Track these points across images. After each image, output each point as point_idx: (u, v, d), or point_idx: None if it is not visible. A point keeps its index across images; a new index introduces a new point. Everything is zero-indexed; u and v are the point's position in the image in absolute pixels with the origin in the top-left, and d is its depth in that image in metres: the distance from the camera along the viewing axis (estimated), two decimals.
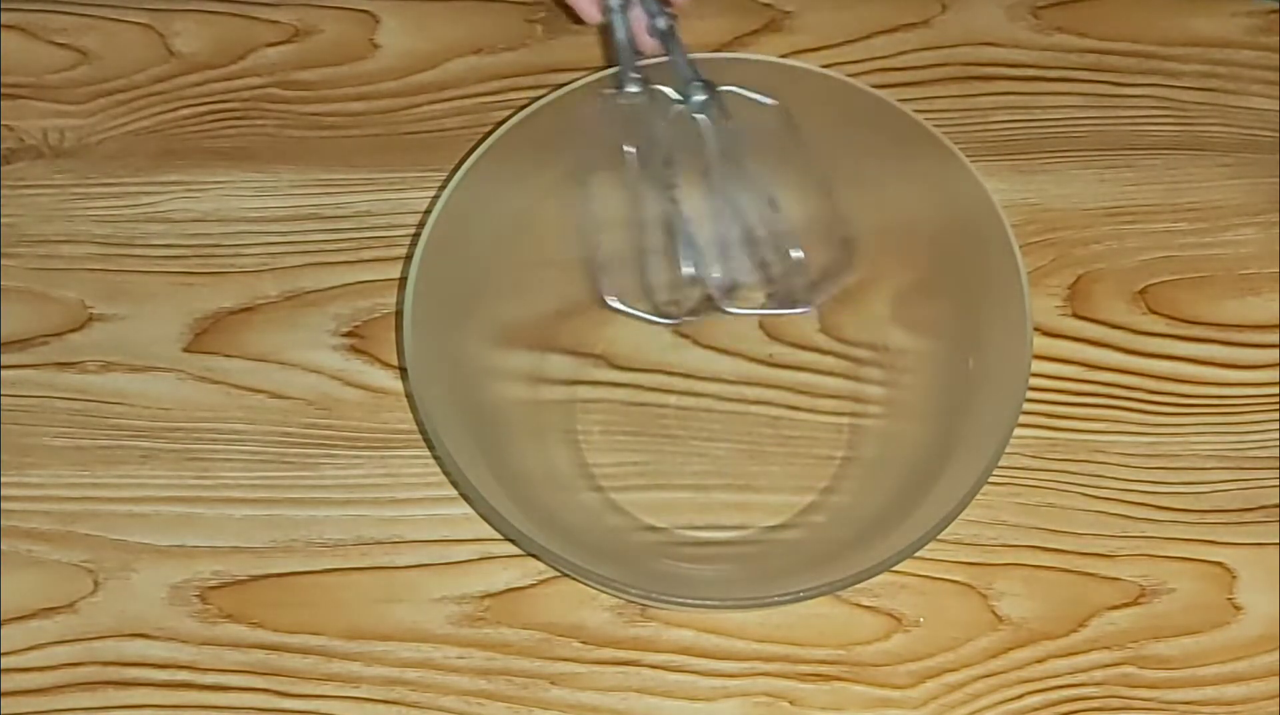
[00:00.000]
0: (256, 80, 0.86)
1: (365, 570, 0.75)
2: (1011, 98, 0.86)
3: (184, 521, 0.76)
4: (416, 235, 0.75)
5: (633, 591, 0.67)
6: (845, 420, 0.78)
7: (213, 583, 0.75)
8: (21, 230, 0.82)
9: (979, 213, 0.69)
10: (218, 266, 0.82)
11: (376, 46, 0.88)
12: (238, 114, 0.85)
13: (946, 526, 0.65)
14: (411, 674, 0.73)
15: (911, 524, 0.67)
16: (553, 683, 0.73)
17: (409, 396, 0.77)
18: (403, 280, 0.80)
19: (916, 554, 0.67)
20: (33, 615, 0.74)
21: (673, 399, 0.79)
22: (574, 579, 0.72)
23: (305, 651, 0.74)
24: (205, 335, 0.80)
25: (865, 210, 0.72)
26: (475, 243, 0.72)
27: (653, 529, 0.76)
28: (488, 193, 0.72)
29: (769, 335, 0.80)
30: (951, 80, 0.86)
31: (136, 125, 0.85)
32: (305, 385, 0.79)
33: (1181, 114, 0.86)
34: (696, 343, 0.80)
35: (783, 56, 0.67)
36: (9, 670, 0.73)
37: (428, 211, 0.72)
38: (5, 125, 0.85)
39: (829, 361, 0.80)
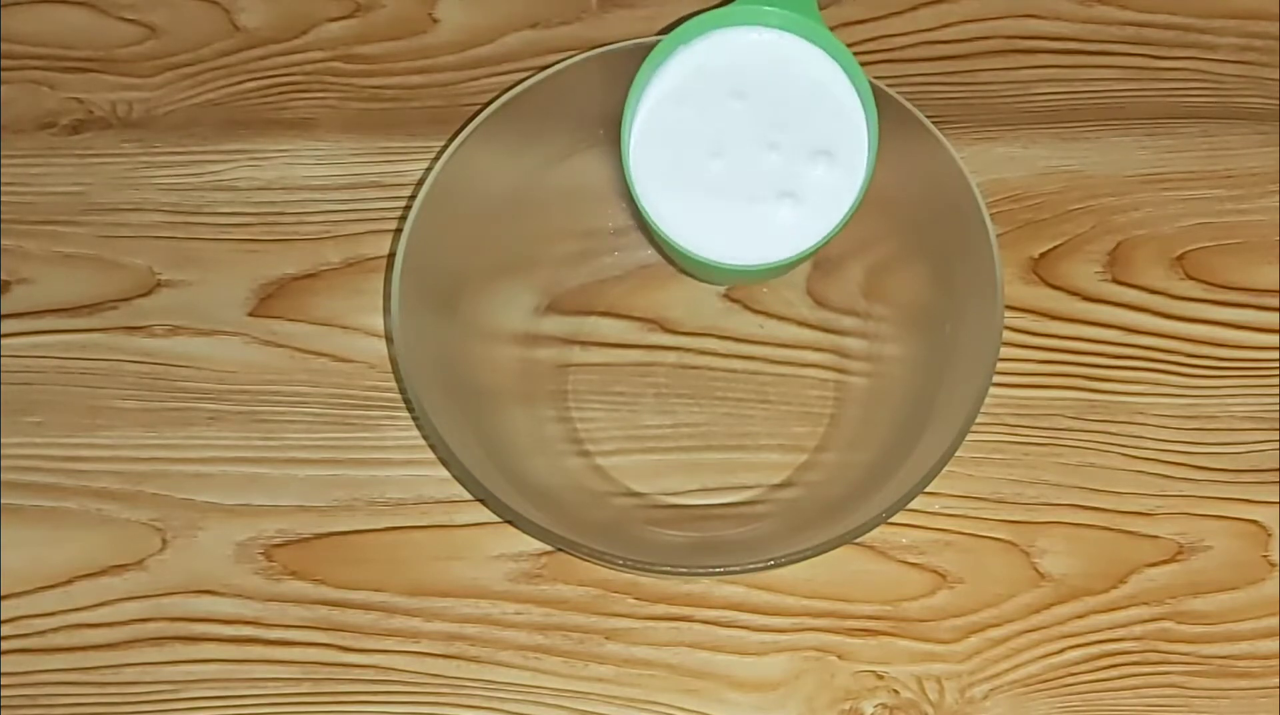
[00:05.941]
0: (318, 54, 0.88)
1: (425, 528, 0.76)
2: (1053, 70, 0.87)
3: (249, 481, 0.77)
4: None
5: (662, 568, 0.69)
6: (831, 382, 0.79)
7: (277, 541, 0.76)
8: (91, 198, 0.84)
9: (952, 184, 0.70)
10: (281, 233, 0.83)
11: (435, 21, 0.88)
12: (300, 87, 0.87)
13: (944, 466, 0.66)
14: (470, 629, 0.75)
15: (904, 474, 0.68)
16: (607, 638, 0.74)
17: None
18: None
19: (961, 513, 0.71)
20: (102, 572, 0.76)
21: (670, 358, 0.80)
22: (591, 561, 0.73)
23: (367, 607, 0.75)
24: (270, 300, 0.81)
25: None
26: (471, 212, 0.74)
27: (633, 493, 0.77)
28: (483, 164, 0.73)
29: (749, 308, 0.81)
30: (995, 54, 0.87)
31: (202, 97, 0.86)
32: (367, 349, 0.80)
33: (1218, 85, 0.86)
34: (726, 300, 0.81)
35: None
36: (80, 626, 0.75)
37: (420, 182, 0.73)
38: (75, 98, 0.86)
39: (815, 335, 0.80)
